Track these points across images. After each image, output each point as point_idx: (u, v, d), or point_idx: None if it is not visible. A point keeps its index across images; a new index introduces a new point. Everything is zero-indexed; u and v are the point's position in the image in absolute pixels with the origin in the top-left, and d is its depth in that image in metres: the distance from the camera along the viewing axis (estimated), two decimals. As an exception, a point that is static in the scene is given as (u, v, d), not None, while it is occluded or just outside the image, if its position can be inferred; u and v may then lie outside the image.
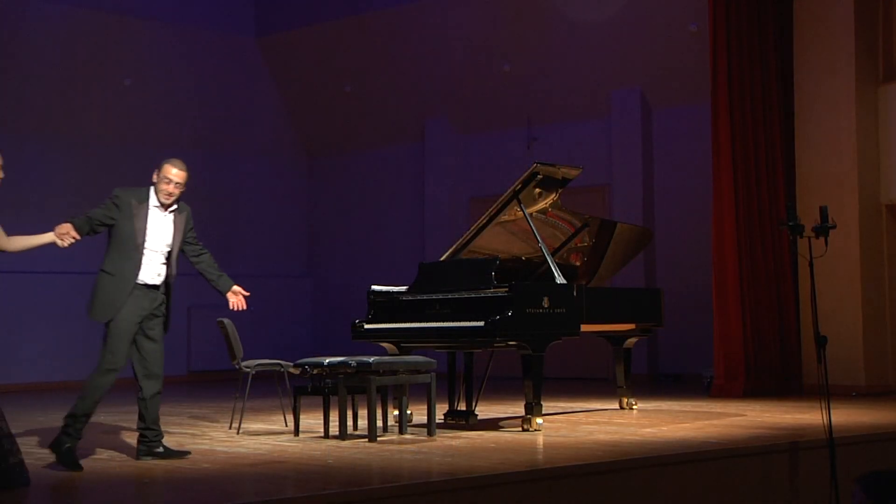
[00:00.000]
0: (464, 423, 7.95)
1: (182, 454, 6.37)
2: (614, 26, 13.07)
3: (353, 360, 7.12)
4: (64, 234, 6.14)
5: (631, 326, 8.83)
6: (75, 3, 13.47)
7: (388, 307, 8.00)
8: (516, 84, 14.05)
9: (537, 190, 8.11)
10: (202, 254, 6.59)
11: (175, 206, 6.39)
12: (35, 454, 6.60)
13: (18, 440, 7.34)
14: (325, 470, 5.86)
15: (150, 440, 6.32)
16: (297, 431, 7.35)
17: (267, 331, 14.14)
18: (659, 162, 13.52)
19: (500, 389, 9.98)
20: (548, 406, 8.39)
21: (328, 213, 15.78)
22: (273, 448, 6.78)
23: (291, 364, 7.64)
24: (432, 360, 7.54)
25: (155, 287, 6.31)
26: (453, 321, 7.58)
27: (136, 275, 6.22)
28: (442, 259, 8.31)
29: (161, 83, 14.41)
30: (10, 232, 6.04)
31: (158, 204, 6.33)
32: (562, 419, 8.39)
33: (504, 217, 8.18)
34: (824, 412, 6.25)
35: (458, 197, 14.88)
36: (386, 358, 7.41)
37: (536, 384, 7.45)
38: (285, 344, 14.50)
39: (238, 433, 7.53)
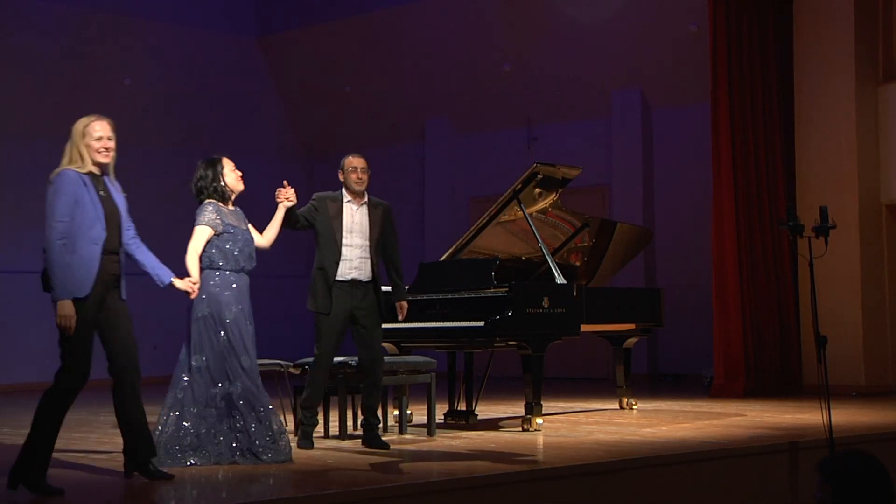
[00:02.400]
0: (464, 423, 7.95)
1: (384, 445, 6.67)
2: (614, 26, 13.06)
3: (353, 360, 7.12)
4: (285, 192, 6.65)
5: (631, 326, 8.83)
6: (75, 3, 13.46)
7: (388, 307, 7.99)
8: (516, 84, 14.05)
9: (537, 190, 8.11)
10: (386, 253, 6.94)
11: (366, 200, 6.86)
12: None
13: (19, 440, 7.35)
14: (325, 470, 5.86)
15: (363, 427, 6.82)
16: (297, 431, 7.34)
17: (267, 331, 14.12)
18: (659, 162, 13.52)
19: (500, 389, 9.98)
20: (548, 406, 8.39)
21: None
22: (273, 448, 6.77)
23: (291, 364, 7.64)
24: (432, 360, 7.55)
25: (360, 283, 6.76)
26: (453, 321, 7.58)
27: (337, 269, 6.70)
28: (442, 259, 8.32)
29: (161, 83, 14.40)
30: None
31: (350, 199, 6.83)
32: (562, 419, 8.39)
33: (504, 217, 8.18)
34: (824, 412, 6.25)
35: (458, 197, 14.89)
36: (386, 358, 7.41)
37: (536, 384, 7.45)
38: (285, 344, 14.50)
39: (238, 433, 7.52)
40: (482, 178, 14.47)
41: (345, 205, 6.82)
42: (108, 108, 14.68)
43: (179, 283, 5.74)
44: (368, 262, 6.80)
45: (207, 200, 6.26)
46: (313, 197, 6.94)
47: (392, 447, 6.80)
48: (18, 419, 9.00)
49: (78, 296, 5.20)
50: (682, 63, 12.81)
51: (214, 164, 6.37)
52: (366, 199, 6.90)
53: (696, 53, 11.95)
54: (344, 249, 6.73)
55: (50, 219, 5.20)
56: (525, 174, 7.94)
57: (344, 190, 6.89)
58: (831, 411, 6.29)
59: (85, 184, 5.30)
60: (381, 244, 6.88)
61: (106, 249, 5.29)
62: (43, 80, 13.42)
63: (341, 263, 6.72)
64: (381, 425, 7.06)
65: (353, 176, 6.86)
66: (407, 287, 8.04)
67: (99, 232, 5.27)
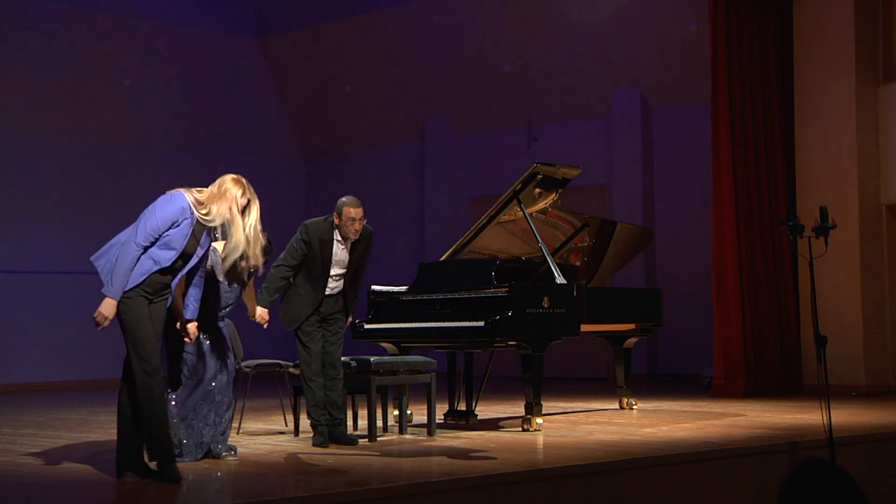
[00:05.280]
0: (464, 423, 7.95)
1: (353, 440, 6.85)
2: (614, 26, 13.06)
3: (353, 360, 7.13)
4: (255, 318, 6.90)
5: (631, 326, 8.83)
6: (75, 3, 13.47)
7: (388, 307, 8.00)
8: (516, 84, 14.05)
9: (537, 190, 8.11)
10: (354, 275, 7.07)
11: (352, 240, 7.02)
12: (35, 454, 6.60)
13: (19, 440, 7.37)
14: (325, 470, 5.86)
15: (328, 424, 6.86)
16: (297, 431, 7.35)
17: (267, 331, 14.13)
18: (659, 162, 13.52)
19: (500, 389, 9.98)
20: (548, 406, 8.39)
21: (328, 213, 15.73)
22: (273, 448, 6.79)
23: (291, 364, 7.64)
24: (432, 360, 7.55)
25: (331, 296, 6.99)
26: (453, 321, 7.58)
27: (322, 298, 6.94)
28: (442, 259, 8.31)
29: (161, 83, 14.41)
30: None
31: (341, 239, 6.97)
32: (562, 419, 8.39)
33: (504, 217, 8.18)
34: (824, 412, 6.25)
35: (458, 197, 14.88)
36: (386, 358, 7.42)
37: (536, 384, 7.44)
38: (285, 344, 14.51)
39: (238, 433, 7.52)
40: (482, 178, 14.46)
41: (335, 243, 6.97)
42: (108, 108, 14.80)
43: (192, 330, 5.86)
44: (342, 280, 7.03)
45: None
46: (306, 229, 6.99)
47: (392, 447, 6.81)
48: (19, 419, 9.01)
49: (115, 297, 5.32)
50: (682, 63, 12.81)
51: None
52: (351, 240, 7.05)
53: (696, 53, 11.95)
54: (329, 280, 6.97)
55: (143, 225, 5.35)
56: (525, 174, 7.94)
57: (336, 230, 6.98)
58: (831, 411, 6.29)
59: (190, 215, 5.40)
60: (355, 267, 7.09)
61: (163, 270, 5.40)
62: (43, 80, 13.42)
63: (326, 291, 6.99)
64: (347, 422, 7.17)
65: (352, 227, 6.93)
66: (406, 287, 8.06)
67: (166, 258, 5.38)
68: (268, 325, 6.96)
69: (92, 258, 5.46)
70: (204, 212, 5.43)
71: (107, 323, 5.32)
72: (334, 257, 6.95)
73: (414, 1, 14.11)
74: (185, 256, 5.46)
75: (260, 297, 6.89)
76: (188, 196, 5.44)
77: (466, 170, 14.83)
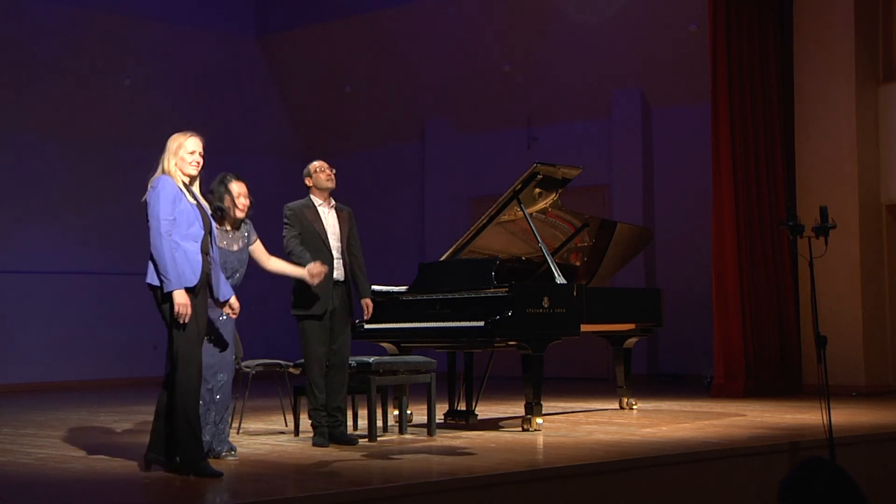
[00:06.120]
0: (464, 423, 7.95)
1: (353, 440, 6.84)
2: (614, 26, 13.07)
3: (353, 360, 7.13)
4: (317, 275, 6.56)
5: (631, 326, 8.83)
6: (75, 3, 13.46)
7: (388, 307, 8.00)
8: (516, 84, 14.05)
9: (537, 190, 8.11)
10: (352, 254, 7.06)
11: (334, 203, 7.06)
12: (35, 454, 6.60)
13: (19, 440, 7.37)
14: (326, 470, 5.86)
15: (329, 425, 6.84)
16: (297, 431, 7.36)
17: (267, 331, 14.13)
18: (659, 162, 13.52)
19: (500, 389, 9.98)
20: (548, 406, 8.39)
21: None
22: (273, 448, 6.79)
23: (291, 364, 7.64)
24: (432, 360, 7.55)
25: (338, 283, 6.93)
26: (453, 321, 7.57)
27: (333, 270, 6.84)
28: (442, 259, 8.31)
29: (161, 83, 14.40)
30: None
31: (321, 202, 7.00)
32: (562, 419, 8.39)
33: (504, 217, 8.18)
34: (824, 412, 6.25)
35: (458, 197, 14.88)
36: (386, 358, 7.42)
37: (536, 384, 7.44)
38: (285, 344, 14.51)
39: (238, 433, 7.52)
40: (482, 178, 14.46)
41: (318, 209, 7.00)
42: (108, 108, 14.78)
43: (234, 303, 5.99)
44: (341, 262, 7.00)
45: None
46: (287, 210, 7.00)
47: (392, 447, 6.81)
48: (19, 419, 9.01)
49: (188, 286, 5.49)
50: (682, 63, 12.81)
51: (223, 183, 6.46)
52: (332, 202, 7.09)
53: (696, 53, 11.95)
54: (332, 252, 6.93)
55: (154, 219, 5.51)
56: (525, 174, 7.94)
57: (312, 196, 7.04)
58: (831, 411, 6.30)
59: (180, 189, 5.62)
60: (347, 245, 7.07)
61: (201, 249, 5.59)
62: (43, 80, 13.42)
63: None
64: (348, 422, 7.16)
65: (324, 175, 7.02)
66: (406, 287, 8.06)
67: (198, 230, 5.58)
68: (317, 280, 6.55)
69: (147, 281, 5.57)
70: (182, 176, 5.66)
71: (189, 310, 5.44)
72: (325, 223, 6.96)
73: (414, 1, 14.11)
74: (206, 226, 5.63)
75: (300, 262, 6.71)
76: (167, 175, 5.64)
77: (466, 170, 14.84)
